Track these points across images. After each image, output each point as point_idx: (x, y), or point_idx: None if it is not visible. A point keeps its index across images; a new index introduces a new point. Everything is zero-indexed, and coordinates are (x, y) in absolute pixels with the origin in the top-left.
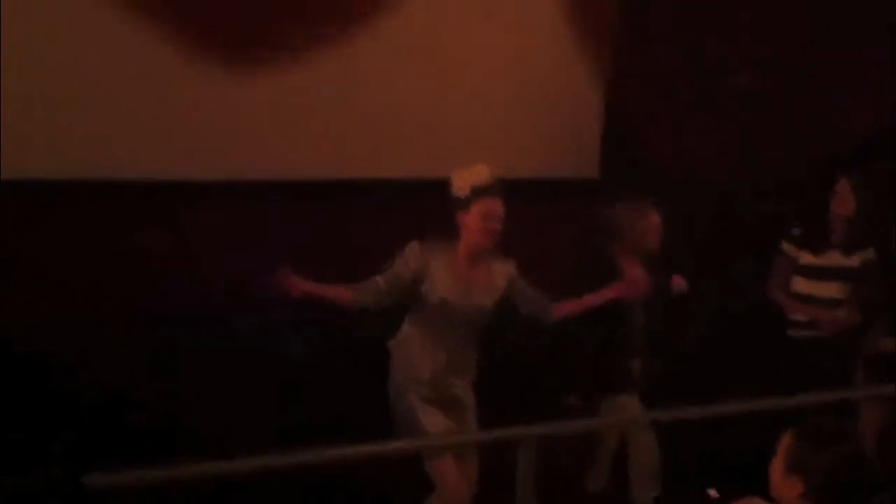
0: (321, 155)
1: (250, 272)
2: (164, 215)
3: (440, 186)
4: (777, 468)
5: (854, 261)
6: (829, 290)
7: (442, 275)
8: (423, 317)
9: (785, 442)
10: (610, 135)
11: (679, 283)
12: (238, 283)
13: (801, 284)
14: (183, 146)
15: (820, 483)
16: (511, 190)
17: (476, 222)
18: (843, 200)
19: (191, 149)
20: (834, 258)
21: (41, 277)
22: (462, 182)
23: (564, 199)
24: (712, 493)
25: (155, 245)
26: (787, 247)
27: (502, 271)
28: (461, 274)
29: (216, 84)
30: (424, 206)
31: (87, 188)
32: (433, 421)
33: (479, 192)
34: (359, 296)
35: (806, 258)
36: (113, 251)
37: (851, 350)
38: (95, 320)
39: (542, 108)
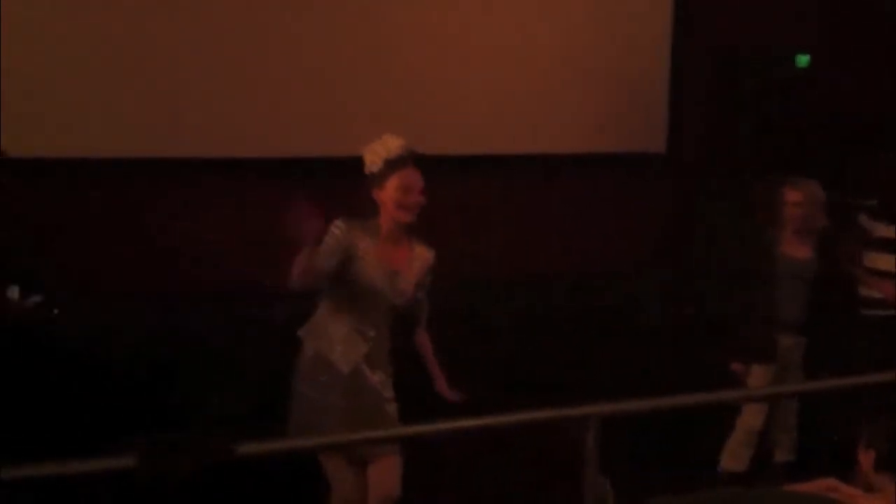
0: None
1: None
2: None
3: (504, 162)
4: (861, 444)
5: None
6: None
7: (369, 256)
8: (344, 301)
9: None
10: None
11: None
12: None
13: (874, 259)
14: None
15: (887, 452)
16: (576, 164)
17: (393, 197)
18: None
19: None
20: None
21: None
22: (373, 156)
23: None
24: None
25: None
26: (862, 218)
27: (423, 256)
28: (385, 256)
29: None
30: (487, 182)
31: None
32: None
33: (393, 165)
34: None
35: (881, 230)
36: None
37: None
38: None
39: (608, 83)
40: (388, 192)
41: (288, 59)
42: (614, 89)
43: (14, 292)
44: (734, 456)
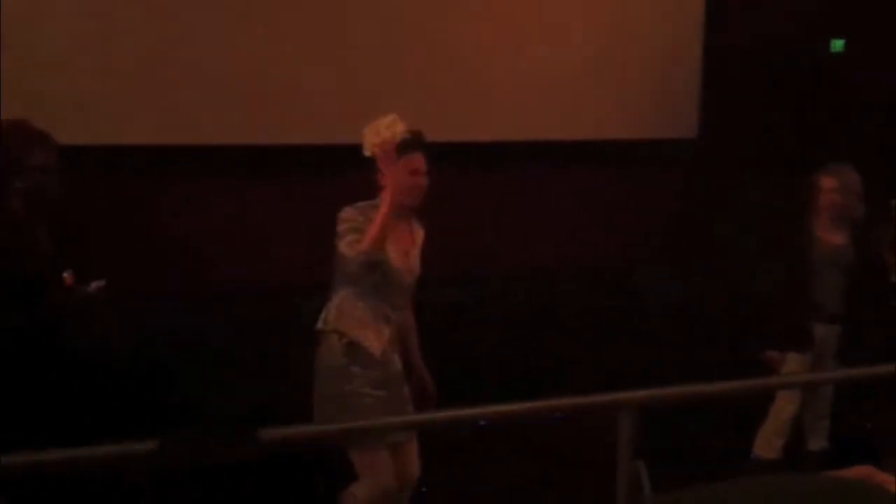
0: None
1: None
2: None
3: (537, 148)
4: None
5: None
6: None
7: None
8: (366, 285)
9: None
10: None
11: None
12: None
13: None
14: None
15: None
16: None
17: (398, 182)
18: None
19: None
20: None
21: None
22: (375, 138)
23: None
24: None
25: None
26: (892, 203)
27: (419, 231)
28: (394, 235)
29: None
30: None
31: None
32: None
33: (398, 149)
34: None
35: None
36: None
37: None
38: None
39: (640, 68)
40: (393, 176)
41: (302, 43)
42: (646, 74)
43: (68, 276)
44: (767, 444)
